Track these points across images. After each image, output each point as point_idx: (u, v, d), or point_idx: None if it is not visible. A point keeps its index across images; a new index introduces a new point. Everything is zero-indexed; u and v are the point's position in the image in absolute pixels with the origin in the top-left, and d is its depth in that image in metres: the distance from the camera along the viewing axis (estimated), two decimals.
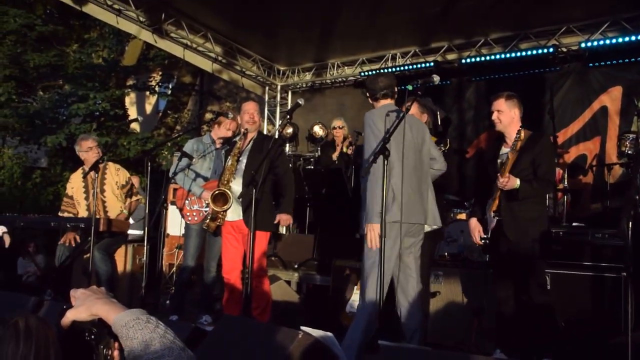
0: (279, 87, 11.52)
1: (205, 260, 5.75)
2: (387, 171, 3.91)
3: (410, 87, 4.33)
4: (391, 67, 9.92)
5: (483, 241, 4.56)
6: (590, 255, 5.37)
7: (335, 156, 8.32)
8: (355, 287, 5.57)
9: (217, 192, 5.08)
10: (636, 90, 7.66)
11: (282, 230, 9.04)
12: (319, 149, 9.29)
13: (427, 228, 4.37)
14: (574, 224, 6.12)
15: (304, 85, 11.46)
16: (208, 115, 14.63)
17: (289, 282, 6.73)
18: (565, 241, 5.63)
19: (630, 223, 3.28)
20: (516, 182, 4.31)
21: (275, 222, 5.20)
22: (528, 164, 4.41)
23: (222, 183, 5.12)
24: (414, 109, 4.65)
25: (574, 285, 5.11)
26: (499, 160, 4.59)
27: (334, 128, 8.46)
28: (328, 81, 11.04)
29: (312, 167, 9.39)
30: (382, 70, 10.00)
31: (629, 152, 6.62)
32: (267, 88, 11.52)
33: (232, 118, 5.79)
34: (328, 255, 6.80)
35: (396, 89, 4.46)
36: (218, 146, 5.86)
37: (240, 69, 10.80)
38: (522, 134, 4.30)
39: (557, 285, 5.00)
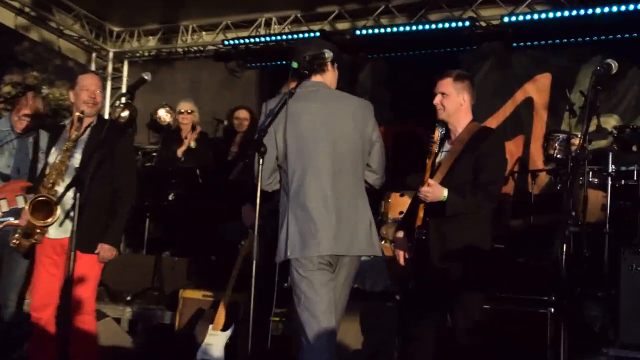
0: (110, 55, 11.26)
1: (1, 291, 5.53)
2: (262, 173, 3.86)
3: (295, 64, 4.24)
4: (264, 36, 9.90)
5: (406, 262, 4.58)
6: (513, 283, 5.57)
7: (181, 151, 8.07)
8: (211, 327, 5.47)
9: (38, 199, 4.79)
10: (568, 79, 8.11)
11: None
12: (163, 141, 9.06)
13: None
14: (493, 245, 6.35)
15: (146, 54, 11.24)
16: (6, 89, 13.91)
17: (118, 320, 6.51)
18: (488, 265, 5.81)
19: (565, 246, 3.39)
20: (443, 193, 4.30)
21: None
22: (468, 168, 4.38)
23: (44, 186, 4.84)
24: None
25: (493, 320, 5.28)
26: (437, 160, 4.56)
27: (180, 113, 8.22)
28: (179, 50, 10.90)
29: (154, 165, 9.13)
30: (252, 40, 9.96)
31: (558, 156, 6.97)
32: (94, 55, 11.23)
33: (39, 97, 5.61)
34: (173, 284, 6.68)
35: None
36: (19, 132, 5.63)
37: (57, 27, 10.44)
38: (436, 132, 4.33)
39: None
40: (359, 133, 4.13)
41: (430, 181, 4.30)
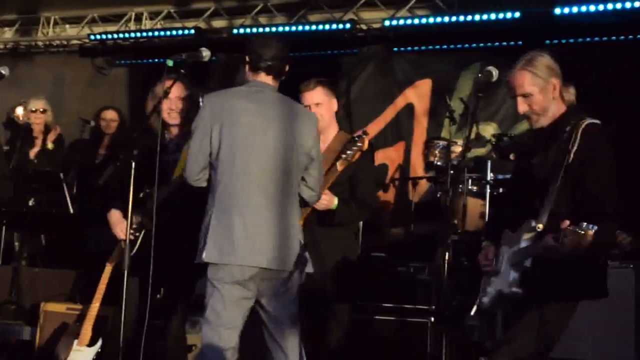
0: None
1: None
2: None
3: (170, 63, 4.24)
4: (134, 32, 9.78)
5: None
6: (393, 293, 5.74)
7: (33, 153, 7.84)
8: (76, 342, 5.35)
9: None
10: (448, 85, 8.39)
11: None
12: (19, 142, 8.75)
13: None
14: (372, 253, 6.52)
15: (2, 47, 10.90)
16: None
17: None
18: (360, 275, 5.94)
19: (447, 255, 3.56)
20: (334, 202, 4.46)
21: None
22: (345, 178, 4.55)
23: None
24: None
25: (370, 333, 5.42)
26: None
27: (32, 111, 7.97)
28: (40, 43, 10.62)
29: (12, 167, 8.83)
30: (121, 35, 9.81)
31: (438, 163, 7.22)
32: None
33: None
34: (33, 296, 6.49)
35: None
36: None
37: None
38: (365, 142, 4.37)
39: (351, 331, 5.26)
40: (297, 143, 4.08)
41: (326, 190, 4.39)
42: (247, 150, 3.98)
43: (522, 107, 3.71)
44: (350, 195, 4.59)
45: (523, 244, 3.56)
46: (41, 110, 7.85)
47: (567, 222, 3.14)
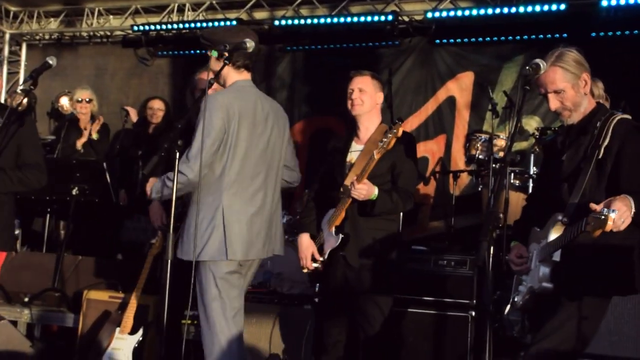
0: (7, 37, 10.99)
1: None
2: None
3: (214, 53, 4.26)
4: (177, 23, 9.82)
5: (315, 266, 4.64)
6: (433, 287, 5.70)
7: (80, 143, 7.93)
8: (118, 330, 5.41)
9: None
10: (491, 78, 8.37)
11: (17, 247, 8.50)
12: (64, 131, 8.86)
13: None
14: (412, 246, 6.48)
15: (47, 37, 11.01)
16: None
17: (15, 323, 6.33)
18: (400, 267, 5.93)
19: (492, 249, 3.51)
20: (374, 192, 4.45)
21: None
22: (386, 169, 4.57)
23: None
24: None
25: (411, 326, 5.41)
26: (347, 159, 4.73)
27: (78, 102, 8.06)
28: (84, 34, 10.71)
29: (56, 157, 8.94)
30: (163, 26, 9.86)
31: (480, 156, 7.17)
32: None
33: None
34: (77, 284, 6.57)
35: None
36: None
37: None
38: (399, 129, 4.36)
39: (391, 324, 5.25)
40: (281, 137, 4.39)
41: (365, 180, 4.38)
42: (255, 148, 4.19)
43: (554, 103, 3.67)
44: (392, 186, 4.60)
45: (550, 238, 3.53)
46: (87, 100, 7.96)
47: (595, 206, 3.11)
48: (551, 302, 3.56)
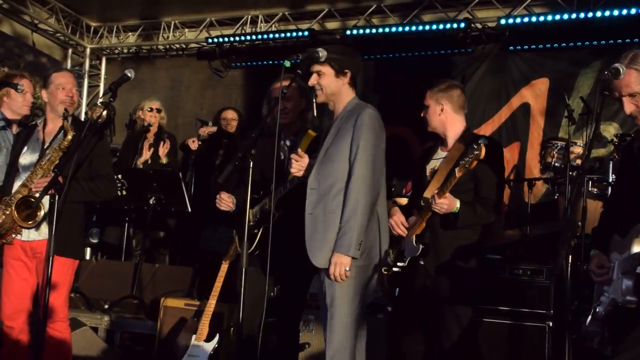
0: (88, 51, 11.19)
1: None
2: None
3: (287, 63, 4.28)
4: (250, 34, 9.90)
5: (391, 270, 4.61)
6: (509, 296, 5.60)
7: (140, 162, 7.87)
8: (194, 337, 5.47)
9: (22, 198, 4.82)
10: (567, 84, 8.17)
11: (85, 255, 8.64)
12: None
13: None
14: (487, 255, 6.38)
15: (126, 51, 11.21)
16: None
17: (96, 329, 6.46)
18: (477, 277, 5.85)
19: (570, 257, 3.42)
20: (456, 205, 4.38)
21: None
22: (468, 179, 4.45)
23: (26, 187, 4.87)
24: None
25: (486, 336, 5.32)
26: (429, 167, 4.71)
27: (149, 110, 8.02)
28: (160, 47, 10.86)
29: (135, 167, 9.08)
30: (237, 38, 9.95)
31: (556, 164, 7.03)
32: (70, 50, 11.13)
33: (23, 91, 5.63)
34: (154, 292, 6.68)
35: None
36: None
37: (31, 20, 10.32)
38: (482, 151, 4.21)
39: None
40: None
41: (448, 194, 4.34)
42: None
43: (628, 107, 3.57)
44: (475, 195, 4.52)
45: (634, 250, 3.38)
46: (157, 108, 7.94)
47: None
48: (632, 313, 3.44)
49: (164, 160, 7.89)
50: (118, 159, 8.14)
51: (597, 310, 3.69)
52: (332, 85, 4.36)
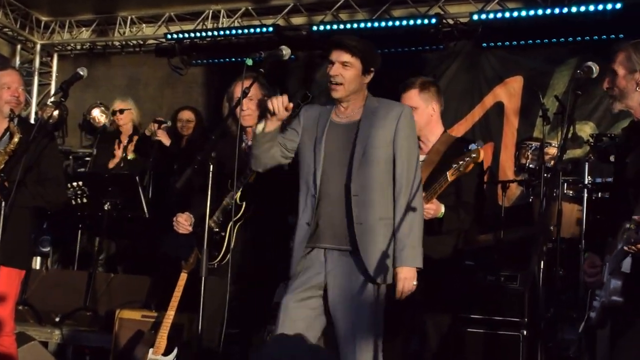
0: (38, 47, 11.13)
1: None
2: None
3: (249, 62, 4.25)
4: (212, 30, 9.88)
5: None
6: (483, 303, 5.63)
7: (113, 163, 7.86)
8: (151, 351, 5.43)
9: None
10: (541, 82, 8.23)
11: (35, 264, 8.59)
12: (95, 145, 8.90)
13: None
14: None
15: (79, 47, 11.13)
16: None
17: (45, 344, 6.46)
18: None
19: (542, 263, 3.46)
20: (441, 210, 4.42)
21: None
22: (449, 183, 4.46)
23: None
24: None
25: (459, 345, 5.34)
26: None
27: (114, 113, 8.04)
28: (116, 43, 10.81)
29: (88, 170, 9.02)
30: (198, 34, 9.91)
31: (531, 165, 7.08)
32: (19, 46, 11.06)
33: None
34: (109, 303, 6.66)
35: None
36: None
37: None
38: (480, 154, 4.26)
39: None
40: None
41: (434, 199, 4.36)
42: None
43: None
44: (456, 200, 4.55)
45: (618, 247, 3.44)
46: (127, 109, 7.92)
47: None
48: (624, 316, 3.47)
49: (130, 157, 7.89)
50: (92, 164, 8.14)
51: (591, 315, 3.71)
52: (357, 82, 4.09)
